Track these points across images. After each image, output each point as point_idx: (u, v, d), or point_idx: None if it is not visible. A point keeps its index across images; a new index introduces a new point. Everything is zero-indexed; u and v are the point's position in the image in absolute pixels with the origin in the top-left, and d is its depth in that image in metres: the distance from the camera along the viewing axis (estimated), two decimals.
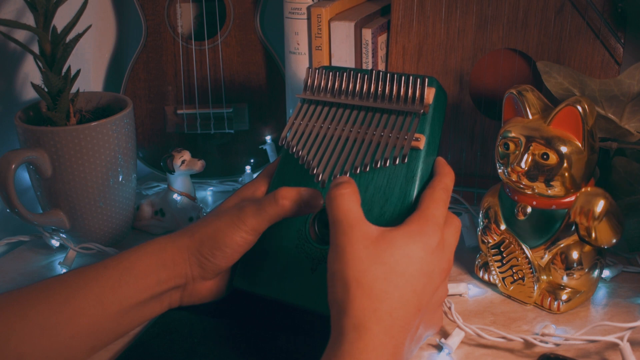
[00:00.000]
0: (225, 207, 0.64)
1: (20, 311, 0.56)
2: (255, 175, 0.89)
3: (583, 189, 0.66)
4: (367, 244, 0.53)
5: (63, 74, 0.78)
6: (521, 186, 0.67)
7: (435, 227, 0.56)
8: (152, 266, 0.61)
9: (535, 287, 0.69)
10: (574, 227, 0.67)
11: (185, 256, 0.62)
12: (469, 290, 0.72)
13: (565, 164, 0.64)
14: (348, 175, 0.63)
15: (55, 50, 0.77)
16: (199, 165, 0.85)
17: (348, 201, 0.55)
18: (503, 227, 0.70)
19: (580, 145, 0.64)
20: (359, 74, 0.66)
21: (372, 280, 0.52)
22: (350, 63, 0.85)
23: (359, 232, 0.53)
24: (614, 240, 0.66)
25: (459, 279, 0.75)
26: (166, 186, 0.88)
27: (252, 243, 0.62)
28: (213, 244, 0.61)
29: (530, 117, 0.67)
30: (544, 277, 0.69)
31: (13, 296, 0.58)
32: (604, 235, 0.65)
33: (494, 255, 0.71)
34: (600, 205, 0.64)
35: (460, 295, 0.72)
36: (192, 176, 0.88)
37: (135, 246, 0.62)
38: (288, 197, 0.60)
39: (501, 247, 0.71)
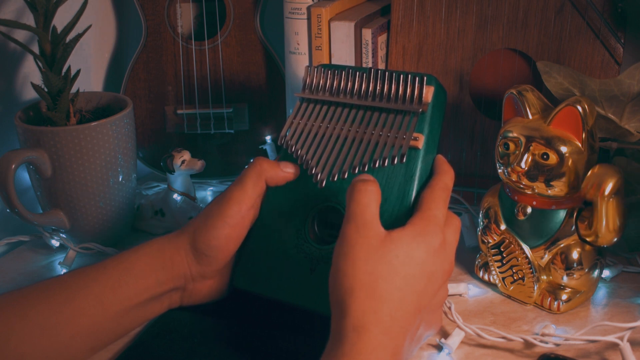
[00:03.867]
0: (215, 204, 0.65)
1: (21, 311, 0.56)
2: None
3: (596, 167, 0.65)
4: (376, 244, 0.53)
5: (63, 74, 0.78)
6: (521, 186, 0.67)
7: (437, 228, 0.56)
8: (151, 267, 0.61)
9: (535, 287, 0.69)
10: (574, 227, 0.67)
11: (182, 255, 0.62)
12: (469, 290, 0.72)
13: (565, 164, 0.64)
14: (347, 175, 0.63)
15: (55, 50, 0.77)
16: (199, 165, 0.85)
17: (370, 197, 0.55)
18: (503, 227, 0.70)
19: (580, 145, 0.64)
20: (358, 73, 0.66)
21: (375, 280, 0.52)
22: (350, 63, 0.85)
23: (371, 232, 0.54)
24: (615, 238, 0.66)
25: (459, 279, 0.75)
26: (166, 186, 0.88)
27: (244, 223, 0.62)
28: (206, 232, 0.61)
29: (530, 117, 0.67)
30: (544, 277, 0.69)
31: (13, 296, 0.58)
32: (609, 218, 0.64)
33: (494, 255, 0.71)
34: (612, 182, 0.63)
35: (460, 295, 0.72)
36: (192, 176, 0.88)
37: (135, 247, 0.62)
38: (264, 159, 0.64)
39: (501, 247, 0.71)
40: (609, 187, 0.63)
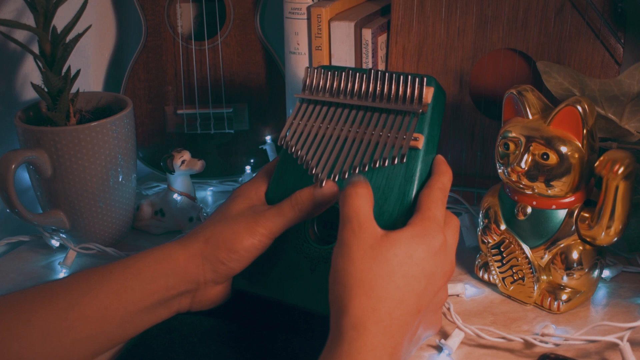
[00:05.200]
0: (235, 212, 0.64)
1: (24, 316, 0.56)
2: (255, 175, 0.89)
3: (615, 149, 0.64)
4: (373, 244, 0.53)
5: (63, 74, 0.78)
6: (521, 186, 0.67)
7: (438, 229, 0.56)
8: (160, 272, 0.60)
9: (535, 287, 0.69)
10: (574, 227, 0.67)
11: (198, 262, 0.61)
12: (466, 290, 0.72)
13: (565, 164, 0.64)
14: (347, 175, 0.63)
15: (55, 50, 0.77)
16: (199, 165, 0.85)
17: (362, 200, 0.55)
18: (503, 227, 0.70)
19: (580, 145, 0.64)
20: (358, 74, 0.66)
21: (374, 279, 0.52)
22: (350, 63, 0.85)
23: (366, 232, 0.54)
24: (615, 239, 0.66)
25: (458, 279, 0.75)
26: (166, 186, 0.88)
27: (267, 246, 0.62)
28: (230, 247, 0.61)
29: (530, 117, 0.67)
30: (544, 277, 0.69)
31: (16, 299, 0.58)
32: (620, 199, 0.64)
33: (494, 255, 0.71)
34: (628, 162, 0.63)
35: (457, 295, 0.72)
36: (192, 176, 0.88)
37: (143, 251, 0.62)
38: (305, 201, 0.61)
39: (501, 247, 0.71)
40: (622, 168, 0.62)
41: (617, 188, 0.63)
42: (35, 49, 0.77)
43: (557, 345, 0.63)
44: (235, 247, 0.61)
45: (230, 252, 0.61)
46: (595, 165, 0.64)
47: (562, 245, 0.67)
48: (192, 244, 0.62)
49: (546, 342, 0.62)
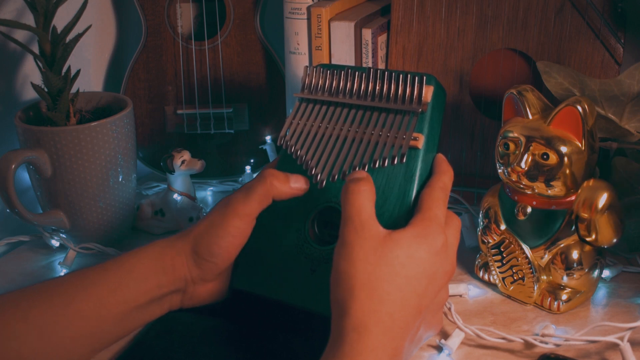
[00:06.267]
0: (216, 207, 0.64)
1: (22, 313, 0.56)
2: (255, 175, 0.89)
3: (586, 183, 0.66)
4: (375, 244, 0.53)
5: (63, 74, 0.78)
6: (521, 186, 0.67)
7: (439, 229, 0.56)
8: (151, 270, 0.60)
9: (535, 287, 0.69)
10: (574, 227, 0.67)
11: (183, 259, 0.61)
12: (469, 290, 0.72)
13: (565, 164, 0.64)
14: (346, 175, 0.63)
15: (55, 50, 0.77)
16: (199, 165, 0.85)
17: (364, 199, 0.55)
18: (503, 227, 0.70)
19: (580, 145, 0.64)
20: (357, 72, 0.66)
21: (376, 281, 0.52)
22: (350, 63, 0.85)
23: (369, 232, 0.53)
24: (615, 240, 0.66)
25: (459, 279, 0.75)
26: (166, 186, 0.88)
27: (247, 233, 0.62)
28: (208, 239, 0.61)
29: (530, 117, 0.67)
30: (544, 277, 0.69)
31: (14, 297, 0.58)
32: (605, 231, 0.65)
33: (494, 255, 0.71)
34: (603, 198, 0.64)
35: (460, 295, 0.72)
36: (192, 176, 0.88)
37: (136, 249, 0.62)
38: (275, 174, 0.61)
39: (501, 247, 0.71)
40: (600, 204, 0.64)
41: (600, 220, 0.65)
42: (35, 49, 0.77)
43: (557, 345, 0.63)
44: (212, 238, 0.61)
45: (209, 245, 0.61)
46: (574, 207, 0.65)
47: (562, 245, 0.67)
48: (177, 241, 0.62)
49: (546, 343, 0.62)
